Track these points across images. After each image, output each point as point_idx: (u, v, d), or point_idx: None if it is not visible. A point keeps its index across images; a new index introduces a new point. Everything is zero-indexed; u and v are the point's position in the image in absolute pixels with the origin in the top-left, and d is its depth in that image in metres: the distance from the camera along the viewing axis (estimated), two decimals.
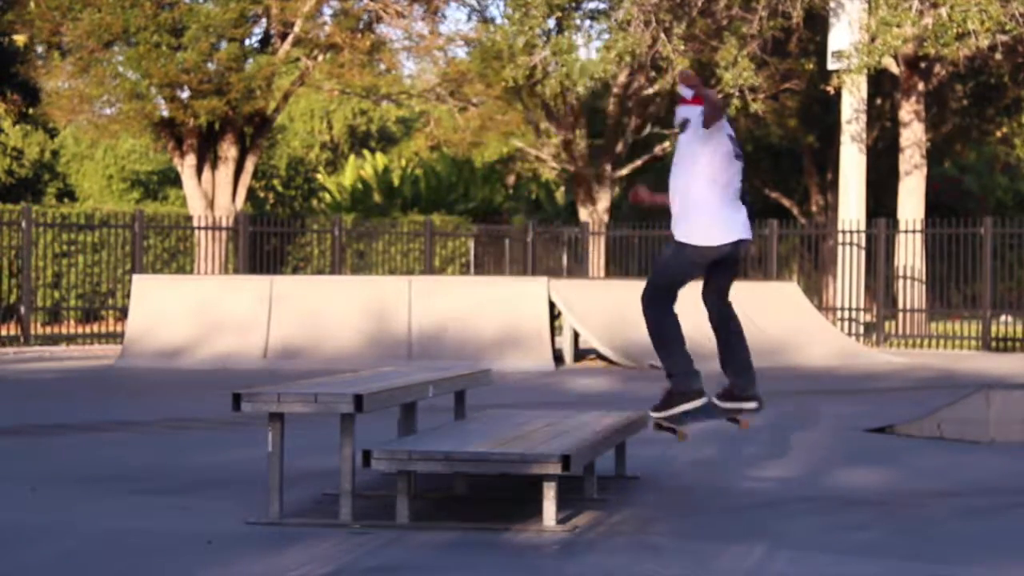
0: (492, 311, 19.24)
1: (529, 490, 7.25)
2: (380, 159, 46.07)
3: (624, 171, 34.81)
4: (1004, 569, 6.05)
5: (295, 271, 29.50)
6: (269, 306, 19.31)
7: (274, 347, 18.91)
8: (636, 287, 23.43)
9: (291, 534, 6.52)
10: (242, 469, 8.69)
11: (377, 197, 43.53)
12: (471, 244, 30.51)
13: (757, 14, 27.69)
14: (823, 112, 34.96)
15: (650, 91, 32.35)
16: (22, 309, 22.72)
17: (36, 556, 6.10)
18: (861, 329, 25.89)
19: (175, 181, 37.92)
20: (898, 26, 25.04)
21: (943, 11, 24.67)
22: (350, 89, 35.04)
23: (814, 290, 29.53)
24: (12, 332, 22.78)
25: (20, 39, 31.28)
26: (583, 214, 33.14)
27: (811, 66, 31.90)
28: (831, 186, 35.63)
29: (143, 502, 7.55)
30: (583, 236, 30.09)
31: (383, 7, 28.90)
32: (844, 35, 26.73)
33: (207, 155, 28.51)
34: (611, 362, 19.09)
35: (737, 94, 28.09)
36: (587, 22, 31.67)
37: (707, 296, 8.15)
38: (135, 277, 20.42)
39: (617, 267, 29.39)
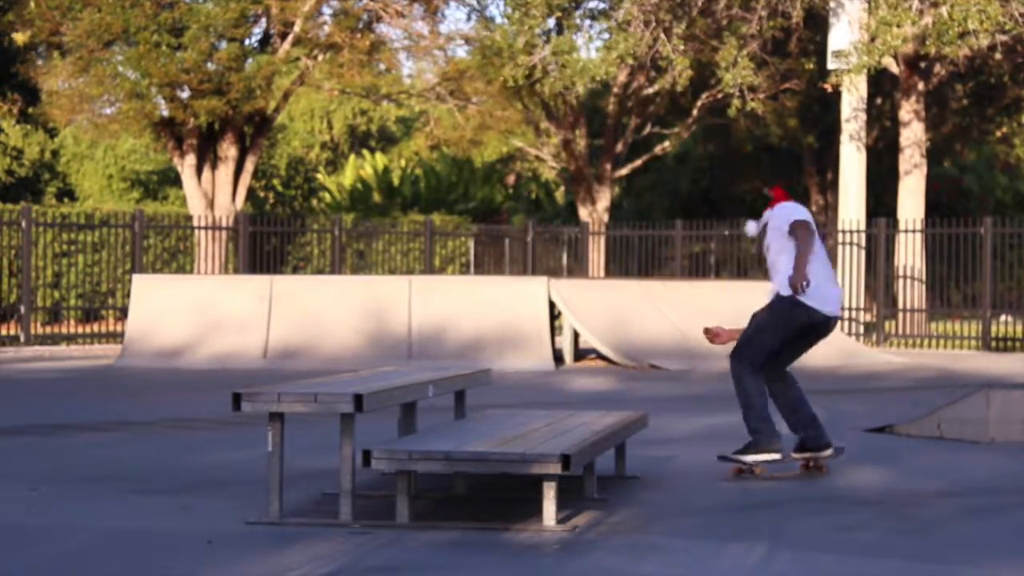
0: (492, 311, 19.24)
1: (529, 490, 7.25)
2: (380, 159, 46.08)
3: (624, 171, 34.81)
4: (1004, 569, 6.05)
5: (295, 271, 29.50)
6: (269, 306, 19.32)
7: (274, 347, 18.91)
8: (636, 287, 23.40)
9: (291, 534, 6.52)
10: (242, 469, 8.69)
11: (377, 197, 43.54)
12: (471, 244, 30.52)
13: (757, 14, 27.69)
14: (823, 112, 34.96)
15: (650, 91, 32.34)
16: (22, 309, 22.72)
17: (36, 556, 6.10)
18: (861, 329, 25.90)
19: (175, 181, 37.91)
20: (898, 26, 25.04)
21: (943, 10, 24.67)
22: (350, 89, 35.04)
23: None
24: (12, 332, 22.78)
25: (20, 38, 31.27)
26: (583, 214, 33.14)
27: (811, 66, 31.90)
28: (831, 186, 35.64)
29: (143, 502, 7.55)
30: (583, 236, 30.09)
31: (383, 7, 28.90)
32: (844, 35, 26.72)
33: (207, 155, 28.50)
34: (611, 362, 19.10)
35: (737, 94, 28.08)
36: (587, 22, 31.67)
37: (778, 364, 8.82)
38: (135, 277, 20.43)
39: (617, 267, 29.40)
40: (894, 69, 28.99)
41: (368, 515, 6.91)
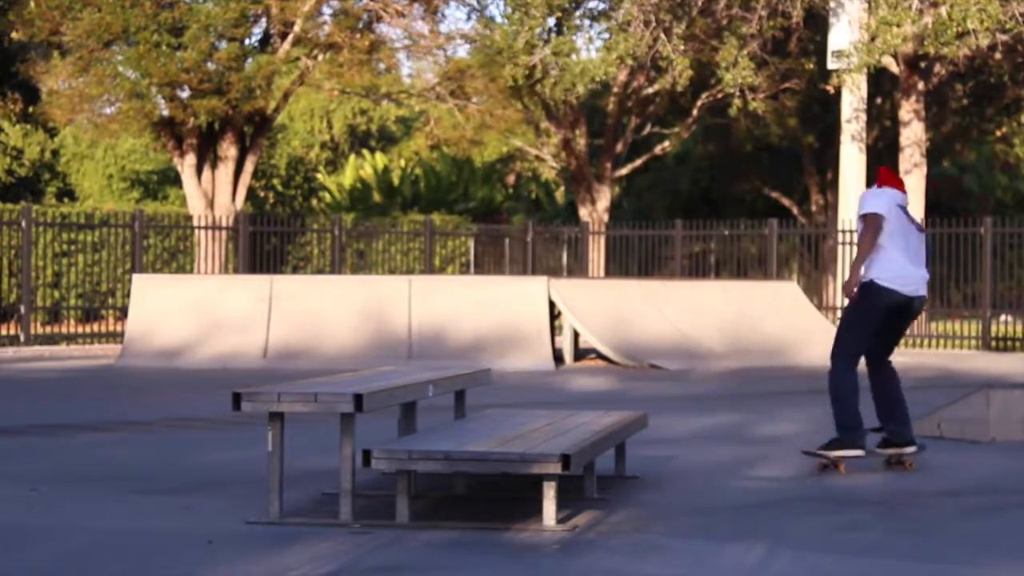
0: (492, 311, 19.24)
1: (529, 490, 7.25)
2: (380, 159, 46.08)
3: (624, 170, 34.81)
4: (1004, 569, 6.05)
5: (295, 271, 29.50)
6: (269, 306, 19.32)
7: (274, 347, 18.91)
8: (636, 287, 23.37)
9: (291, 534, 6.52)
10: (242, 469, 8.69)
11: (377, 196, 43.55)
12: (471, 244, 30.52)
13: (757, 14, 27.69)
14: (823, 112, 34.97)
15: (650, 91, 32.34)
16: (22, 309, 22.72)
17: (36, 556, 6.10)
18: None
19: (175, 181, 37.91)
20: (898, 25, 25.04)
21: (943, 10, 24.67)
22: (350, 89, 35.04)
23: (814, 290, 29.53)
24: (12, 332, 22.78)
25: (18, 35, 31.26)
26: (583, 213, 33.14)
27: (811, 66, 31.90)
28: (831, 186, 35.63)
29: (143, 502, 7.55)
30: (583, 236, 30.09)
31: (383, 6, 28.90)
32: (844, 34, 26.73)
33: (207, 155, 28.50)
34: (611, 361, 19.10)
35: (738, 94, 28.08)
36: (587, 22, 31.67)
37: (876, 351, 8.95)
38: (135, 277, 20.43)
39: (617, 266, 29.40)
40: (894, 69, 28.99)
41: (368, 515, 6.91)
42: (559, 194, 47.00)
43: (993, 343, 24.19)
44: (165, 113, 27.95)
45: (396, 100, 40.89)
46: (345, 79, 30.24)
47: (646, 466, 8.82)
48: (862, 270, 8.63)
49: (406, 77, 37.22)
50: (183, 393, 14.76)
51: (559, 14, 29.15)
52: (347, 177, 45.35)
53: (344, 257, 27.95)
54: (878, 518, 7.17)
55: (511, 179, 47.61)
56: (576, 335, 19.95)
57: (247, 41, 28.34)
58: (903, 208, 8.82)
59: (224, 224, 26.77)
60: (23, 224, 22.93)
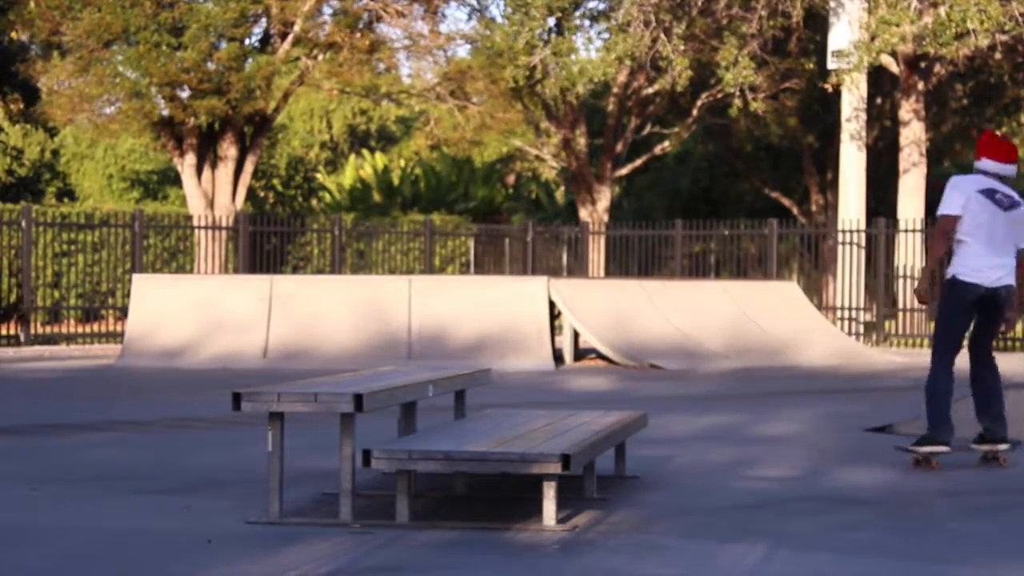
0: (492, 311, 19.24)
1: (529, 489, 7.25)
2: (380, 158, 46.08)
3: (624, 170, 34.82)
4: (1004, 569, 6.05)
5: (295, 271, 29.50)
6: (269, 306, 19.31)
7: (274, 347, 18.91)
8: (636, 287, 23.36)
9: (291, 534, 6.52)
10: (242, 469, 8.69)
11: (377, 196, 43.55)
12: (471, 243, 30.52)
13: (757, 13, 27.69)
14: (823, 112, 34.97)
15: (650, 91, 32.35)
16: (22, 309, 22.72)
17: (36, 556, 6.10)
18: (861, 329, 25.90)
19: (175, 181, 37.93)
20: (897, 25, 25.04)
21: (942, 10, 24.68)
22: (350, 89, 35.05)
23: (814, 290, 29.53)
24: (12, 332, 22.78)
25: (18, 36, 31.25)
26: (583, 213, 33.14)
27: (811, 66, 31.90)
28: (831, 186, 35.64)
29: (143, 502, 7.55)
30: (583, 235, 30.09)
31: (383, 6, 28.90)
32: (844, 34, 26.73)
33: (207, 154, 28.51)
34: (611, 361, 19.10)
35: (738, 94, 28.08)
36: (587, 23, 31.68)
37: (977, 346, 9.20)
38: (135, 276, 20.43)
39: (617, 267, 29.40)
40: (894, 69, 29.00)
41: (368, 515, 6.91)
42: (559, 194, 47.00)
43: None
44: (165, 113, 27.96)
45: (396, 100, 40.90)
46: (345, 79, 30.24)
47: (646, 466, 8.82)
48: (947, 266, 8.87)
49: (406, 77, 37.21)
50: (183, 393, 14.76)
51: (559, 15, 29.15)
52: (347, 177, 45.35)
53: (344, 257, 27.95)
54: (878, 518, 7.17)
55: (511, 179, 47.61)
56: (576, 335, 19.94)
57: (247, 41, 28.35)
58: (991, 190, 8.80)
59: (224, 224, 26.78)
60: (23, 224, 22.93)
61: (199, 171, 28.41)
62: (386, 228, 29.76)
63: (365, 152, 48.00)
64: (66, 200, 39.16)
